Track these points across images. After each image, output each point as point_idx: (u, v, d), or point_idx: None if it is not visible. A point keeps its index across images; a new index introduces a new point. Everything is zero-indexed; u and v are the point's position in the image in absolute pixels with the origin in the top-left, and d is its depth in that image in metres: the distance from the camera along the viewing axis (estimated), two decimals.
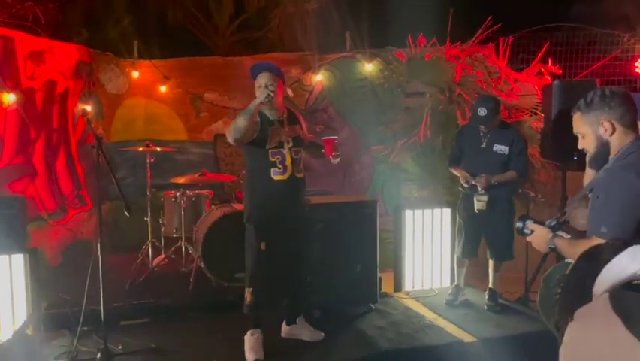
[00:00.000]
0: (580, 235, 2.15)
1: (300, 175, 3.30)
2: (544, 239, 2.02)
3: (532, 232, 2.09)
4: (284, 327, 3.55)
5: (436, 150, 5.38)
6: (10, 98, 4.35)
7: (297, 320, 3.51)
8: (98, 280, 3.15)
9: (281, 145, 3.23)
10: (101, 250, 3.07)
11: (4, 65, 4.35)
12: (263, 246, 3.22)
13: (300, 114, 3.50)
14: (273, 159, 3.20)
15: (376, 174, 5.97)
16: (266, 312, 3.34)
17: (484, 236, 4.09)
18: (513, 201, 4.11)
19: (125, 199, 3.00)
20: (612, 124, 1.93)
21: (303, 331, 3.49)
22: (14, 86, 4.45)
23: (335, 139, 3.33)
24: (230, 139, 3.13)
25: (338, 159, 3.34)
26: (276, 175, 3.21)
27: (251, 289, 3.27)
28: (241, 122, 3.04)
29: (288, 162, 3.22)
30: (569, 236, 2.04)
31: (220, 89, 6.19)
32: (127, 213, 2.95)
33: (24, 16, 5.08)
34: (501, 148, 3.91)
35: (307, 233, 3.50)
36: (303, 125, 3.45)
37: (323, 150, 3.36)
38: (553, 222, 2.07)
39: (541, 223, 2.10)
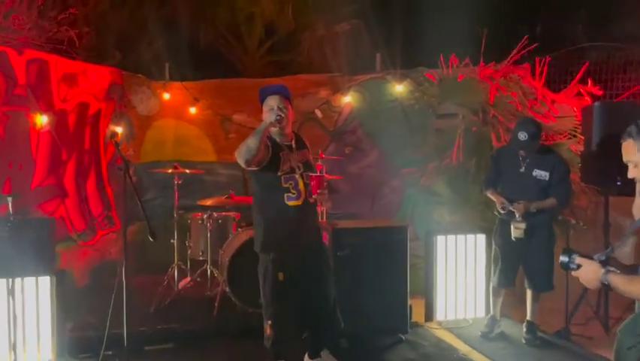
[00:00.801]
0: (626, 268, 2.02)
1: (312, 200, 3.18)
2: (596, 275, 1.88)
3: (578, 266, 1.94)
4: (306, 360, 3.40)
5: (469, 174, 5.20)
6: (43, 119, 4.42)
7: (322, 354, 3.36)
8: (121, 304, 3.09)
9: (292, 170, 3.15)
10: (126, 272, 3.01)
11: (38, 88, 4.43)
12: (281, 276, 3.10)
13: (305, 139, 3.41)
14: (286, 185, 3.13)
15: (406, 198, 5.81)
16: (288, 344, 3.22)
17: (522, 265, 3.89)
18: (553, 229, 3.91)
19: (149, 224, 2.95)
20: None
21: None
22: (47, 108, 4.52)
23: (322, 177, 3.21)
24: (241, 160, 3.02)
25: (322, 198, 3.17)
26: (290, 201, 3.13)
27: (270, 323, 3.14)
28: (252, 142, 2.96)
29: (301, 186, 3.15)
30: (618, 271, 1.90)
31: (249, 111, 6.17)
32: (151, 239, 2.89)
33: (59, 39, 5.18)
34: (541, 173, 3.74)
35: (327, 260, 3.35)
36: (310, 150, 3.38)
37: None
38: (604, 257, 1.92)
39: (589, 257, 1.94)
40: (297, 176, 3.14)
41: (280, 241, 3.14)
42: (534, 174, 3.75)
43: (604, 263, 1.91)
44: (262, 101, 3.22)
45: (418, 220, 5.69)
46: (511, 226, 3.66)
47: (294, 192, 3.12)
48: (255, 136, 2.98)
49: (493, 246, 4.04)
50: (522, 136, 3.67)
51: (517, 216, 3.65)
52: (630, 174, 1.95)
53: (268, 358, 3.21)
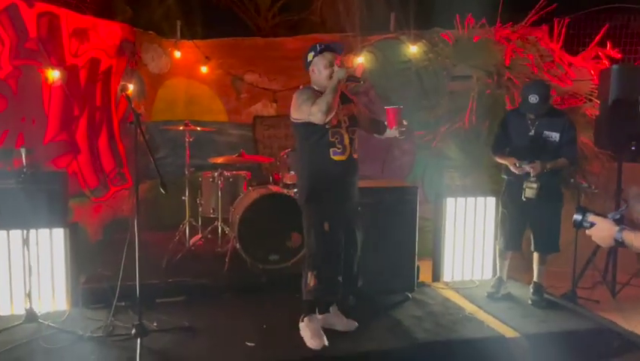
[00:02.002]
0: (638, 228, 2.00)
1: (356, 156, 3.21)
2: (610, 233, 1.86)
3: (591, 225, 1.92)
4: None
5: (482, 137, 5.15)
6: (54, 74, 4.41)
7: (331, 309, 3.41)
8: (134, 257, 3.15)
9: (339, 125, 3.15)
10: (138, 227, 3.06)
11: (50, 42, 4.40)
12: (327, 227, 3.13)
13: (349, 93, 3.40)
14: (332, 139, 3.14)
15: (418, 161, 5.79)
16: (327, 297, 3.25)
17: (530, 227, 3.89)
18: (562, 191, 3.90)
19: (160, 176, 2.98)
20: None
21: (336, 320, 3.39)
22: (59, 63, 4.50)
23: (400, 108, 3.14)
24: (320, 118, 2.99)
25: (404, 131, 3.18)
26: (335, 155, 3.14)
27: (315, 272, 3.14)
28: (330, 99, 2.99)
29: (347, 141, 3.15)
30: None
31: (260, 71, 6.13)
32: (162, 190, 2.92)
33: None
34: (552, 135, 3.72)
35: (362, 216, 3.36)
36: (357, 103, 3.37)
37: (386, 123, 3.23)
38: (618, 216, 1.90)
39: (603, 216, 1.93)
40: (342, 130, 3.15)
41: (324, 193, 3.17)
42: (544, 135, 3.73)
43: (618, 222, 1.90)
44: (316, 53, 3.17)
45: (428, 183, 5.69)
46: (524, 186, 3.66)
47: (339, 146, 3.13)
48: (331, 93, 3.01)
49: (500, 208, 4.04)
50: (533, 99, 3.63)
51: (531, 175, 3.63)
52: None
53: (302, 310, 3.26)
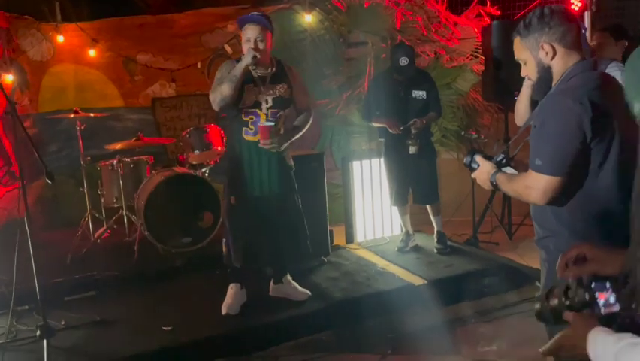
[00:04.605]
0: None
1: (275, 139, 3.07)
2: (488, 175, 1.85)
3: (479, 166, 1.91)
4: (271, 285, 3.48)
5: None
6: None
7: (283, 279, 3.44)
8: (30, 257, 2.96)
9: (256, 105, 3.05)
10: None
11: None
12: (233, 200, 3.17)
13: (299, 77, 3.25)
14: (246, 119, 3.07)
15: (324, 129, 5.86)
16: (243, 268, 3.28)
17: (411, 181, 4.14)
18: (433, 145, 4.26)
19: (44, 165, 2.80)
20: (552, 46, 1.72)
21: (289, 290, 3.42)
22: None
23: (271, 127, 3.00)
24: (215, 107, 3.01)
25: (268, 147, 3.02)
26: (247, 135, 3.09)
27: (224, 241, 3.31)
28: (227, 90, 2.91)
29: (262, 122, 3.04)
30: (515, 172, 1.86)
31: (154, 50, 5.85)
32: (48, 180, 2.76)
33: None
34: (420, 93, 3.97)
35: (292, 196, 3.31)
36: (299, 90, 3.19)
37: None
38: (500, 157, 1.87)
39: (490, 159, 1.91)
40: (260, 111, 3.04)
41: (235, 171, 3.16)
42: (413, 95, 3.96)
43: (500, 164, 1.87)
44: (240, 27, 3.05)
45: (336, 151, 5.80)
46: (408, 143, 3.88)
47: (252, 127, 3.06)
48: (229, 82, 2.89)
49: (385, 170, 4.25)
50: (404, 61, 3.83)
51: (412, 133, 3.84)
52: (522, 73, 1.88)
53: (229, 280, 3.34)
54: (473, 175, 1.94)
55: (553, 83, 1.77)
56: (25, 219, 2.88)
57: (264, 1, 5.84)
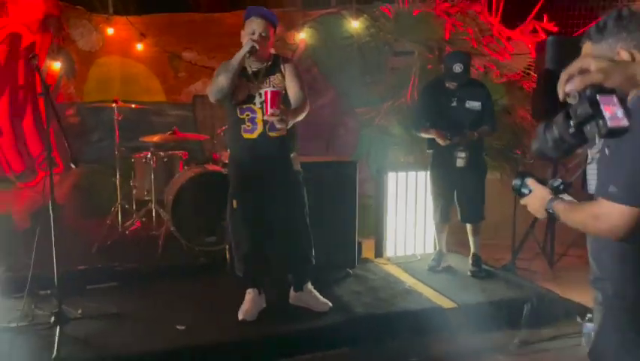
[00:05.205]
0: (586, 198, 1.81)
1: (275, 134, 2.94)
2: (542, 203, 1.61)
3: (530, 191, 1.68)
4: (291, 293, 3.34)
5: None
6: None
7: (304, 288, 3.29)
8: (59, 242, 2.95)
9: (249, 101, 2.94)
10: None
11: None
12: (235, 204, 3.06)
13: (292, 65, 3.04)
14: (242, 116, 2.95)
15: (362, 139, 5.73)
16: (255, 273, 3.19)
17: (457, 197, 3.92)
18: (485, 160, 4.00)
19: (71, 150, 2.79)
20: (631, 53, 1.44)
21: (310, 299, 3.28)
22: None
23: (278, 92, 2.75)
24: (211, 98, 2.93)
25: (274, 119, 2.73)
26: (245, 133, 2.98)
27: (227, 247, 3.25)
28: (223, 80, 2.81)
29: (259, 119, 2.93)
30: (574, 200, 1.61)
31: (199, 48, 5.89)
32: (72, 165, 2.74)
33: None
34: (474, 105, 3.75)
35: (299, 197, 3.16)
36: (290, 76, 2.97)
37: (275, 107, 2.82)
38: (558, 182, 1.65)
39: (544, 183, 1.68)
40: (255, 107, 2.93)
41: (237, 171, 3.08)
42: (467, 105, 3.74)
43: (557, 190, 1.64)
44: (245, 18, 2.94)
45: (373, 161, 5.64)
46: (456, 156, 3.66)
47: (249, 124, 2.95)
48: (227, 72, 2.80)
49: (430, 184, 4.03)
50: (458, 68, 3.64)
51: (460, 145, 3.65)
52: None
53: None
54: (523, 201, 1.71)
55: (629, 97, 1.52)
56: (50, 205, 2.86)
57: (311, 6, 5.80)
